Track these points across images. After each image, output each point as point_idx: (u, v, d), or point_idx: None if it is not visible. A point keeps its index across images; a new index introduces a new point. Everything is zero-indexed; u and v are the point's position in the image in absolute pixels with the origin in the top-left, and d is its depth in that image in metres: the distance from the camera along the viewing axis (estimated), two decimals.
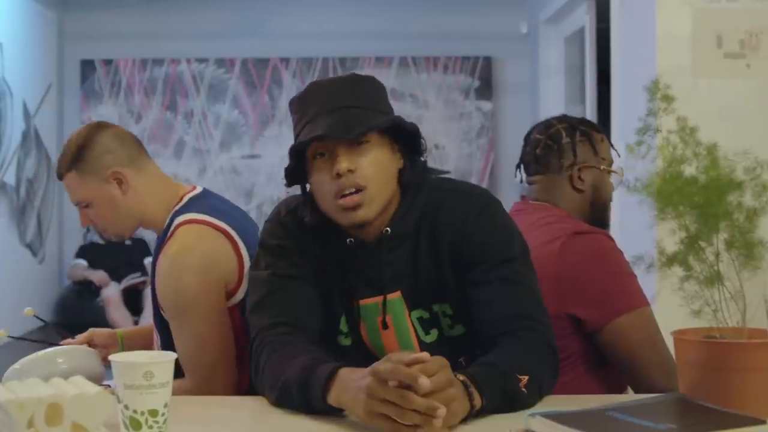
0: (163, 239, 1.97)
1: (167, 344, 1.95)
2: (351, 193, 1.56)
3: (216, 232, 1.93)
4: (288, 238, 1.68)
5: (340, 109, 1.57)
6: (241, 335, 1.90)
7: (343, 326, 1.67)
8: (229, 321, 1.90)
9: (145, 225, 2.05)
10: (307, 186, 1.67)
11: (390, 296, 1.64)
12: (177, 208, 2.00)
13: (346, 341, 1.68)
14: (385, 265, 1.64)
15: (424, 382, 1.27)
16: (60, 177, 2.04)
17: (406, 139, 1.64)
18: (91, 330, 2.18)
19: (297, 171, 1.63)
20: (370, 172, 1.57)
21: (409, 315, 1.65)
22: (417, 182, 1.66)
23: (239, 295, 1.92)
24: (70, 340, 2.15)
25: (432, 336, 1.66)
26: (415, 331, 1.66)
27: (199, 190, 2.06)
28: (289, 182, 1.64)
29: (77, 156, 1.99)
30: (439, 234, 1.64)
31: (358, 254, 1.64)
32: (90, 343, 2.13)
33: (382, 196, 1.60)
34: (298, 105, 1.63)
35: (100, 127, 2.04)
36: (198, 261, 1.88)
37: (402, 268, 1.64)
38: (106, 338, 2.18)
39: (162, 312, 1.93)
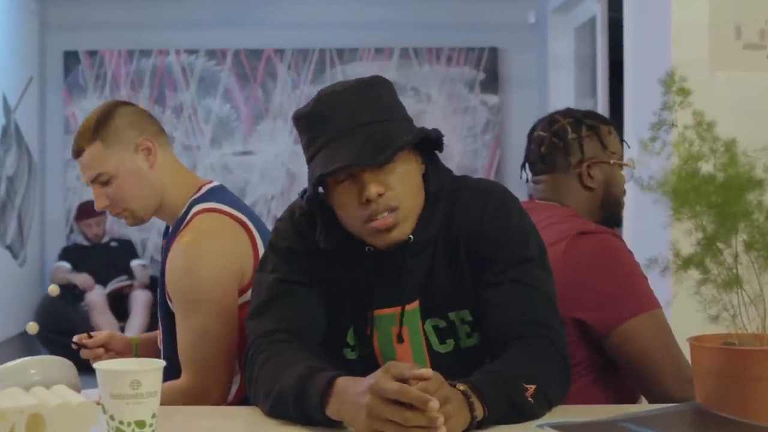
0: (178, 227, 1.98)
1: (170, 338, 1.96)
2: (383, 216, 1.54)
3: (235, 223, 1.95)
4: (300, 241, 1.66)
5: (361, 127, 1.53)
6: (245, 334, 1.90)
7: (351, 339, 1.67)
8: (237, 317, 1.91)
9: (161, 210, 2.05)
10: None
11: (409, 307, 1.64)
12: (195, 197, 2.02)
13: (352, 355, 1.68)
14: (407, 273, 1.63)
15: (434, 405, 1.28)
16: (79, 153, 2.01)
17: (425, 143, 1.62)
18: (110, 333, 2.21)
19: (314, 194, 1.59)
20: (401, 191, 1.55)
21: (423, 324, 1.65)
22: (439, 186, 1.64)
23: (250, 292, 1.92)
24: (85, 338, 2.16)
25: (447, 346, 1.66)
26: (428, 341, 1.66)
27: (216, 183, 2.09)
28: (310, 207, 1.60)
29: (101, 125, 1.99)
30: (454, 234, 1.64)
31: (377, 262, 1.63)
32: (106, 347, 2.16)
33: (415, 210, 1.59)
34: (309, 122, 1.58)
35: (121, 102, 2.08)
36: (214, 249, 1.90)
37: (421, 276, 1.64)
38: (122, 345, 2.19)
39: (168, 302, 1.94)
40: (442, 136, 1.61)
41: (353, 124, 1.53)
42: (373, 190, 1.52)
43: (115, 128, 1.99)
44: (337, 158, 1.51)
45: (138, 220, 2.06)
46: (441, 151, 1.64)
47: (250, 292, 1.90)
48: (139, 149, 2.00)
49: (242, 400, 1.92)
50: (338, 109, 1.55)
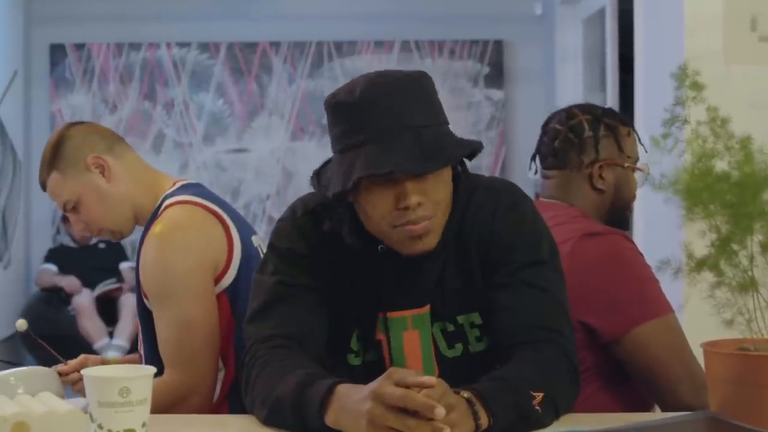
0: (150, 222, 2.02)
1: (149, 336, 1.98)
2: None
3: (207, 213, 1.99)
4: (302, 242, 1.66)
5: (410, 130, 1.51)
6: (224, 324, 1.94)
7: (354, 344, 1.67)
8: (216, 307, 1.94)
9: (138, 218, 2.10)
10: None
11: (420, 310, 1.64)
12: (168, 192, 2.06)
13: (355, 360, 1.68)
14: (420, 275, 1.63)
15: (440, 411, 1.29)
16: (44, 186, 2.11)
17: None
18: (84, 356, 2.23)
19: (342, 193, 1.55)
20: (437, 200, 1.55)
21: (432, 328, 1.65)
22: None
23: (226, 280, 1.96)
24: (61, 366, 2.17)
25: (456, 351, 1.66)
26: (436, 346, 1.66)
27: (193, 181, 2.13)
28: (338, 201, 1.58)
29: (54, 155, 2.07)
30: (466, 234, 1.64)
31: (390, 263, 1.63)
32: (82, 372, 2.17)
33: (445, 219, 1.60)
34: (351, 112, 1.53)
35: (71, 123, 2.15)
36: (187, 239, 1.93)
37: (433, 277, 1.64)
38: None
39: (145, 299, 1.96)
40: (482, 148, 1.59)
41: (401, 125, 1.51)
42: (414, 199, 1.51)
43: (66, 154, 2.07)
44: (386, 161, 1.48)
45: (118, 235, 2.13)
46: (471, 159, 1.63)
47: (224, 281, 1.96)
48: (92, 168, 2.06)
49: (228, 394, 1.94)
50: (386, 105, 1.51)
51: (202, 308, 1.91)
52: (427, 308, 1.65)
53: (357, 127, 1.52)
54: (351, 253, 1.64)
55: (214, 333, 1.92)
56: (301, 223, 1.67)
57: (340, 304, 1.66)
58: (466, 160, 1.65)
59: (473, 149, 1.57)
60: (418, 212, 1.53)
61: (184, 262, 1.91)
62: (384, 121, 1.51)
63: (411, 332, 1.65)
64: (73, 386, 2.18)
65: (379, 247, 1.62)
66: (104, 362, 2.23)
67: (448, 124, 1.59)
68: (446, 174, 1.57)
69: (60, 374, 2.17)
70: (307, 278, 1.64)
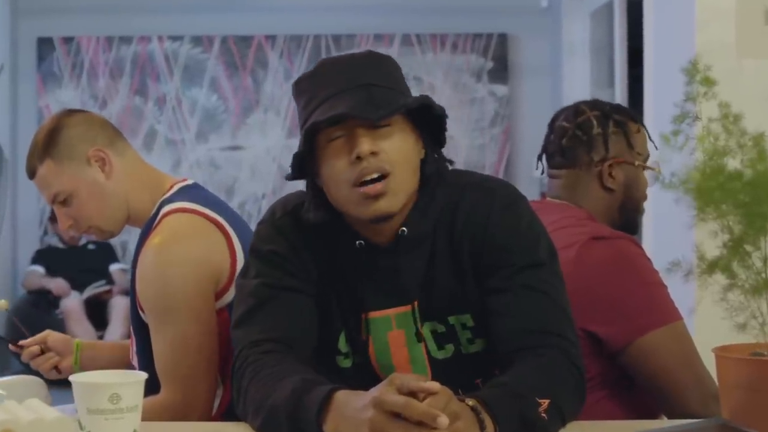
0: (148, 230, 1.98)
1: (145, 351, 1.96)
2: (373, 180, 1.55)
3: (209, 223, 1.96)
4: (283, 243, 1.67)
5: (362, 87, 1.57)
6: (224, 340, 1.91)
7: (342, 345, 1.67)
8: (216, 324, 1.92)
9: (131, 219, 2.07)
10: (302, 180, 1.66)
11: (403, 309, 1.65)
12: (165, 197, 2.03)
13: (345, 363, 1.68)
14: (401, 273, 1.64)
15: (443, 421, 1.29)
16: (33, 173, 2.05)
17: (428, 126, 1.64)
18: (47, 332, 2.23)
19: (303, 161, 1.61)
20: (395, 157, 1.57)
21: (421, 328, 1.66)
22: (437, 177, 1.66)
23: (229, 296, 1.93)
24: (23, 342, 2.20)
25: (446, 352, 1.66)
26: (426, 347, 1.66)
27: (190, 181, 2.10)
28: (296, 174, 1.62)
29: (50, 142, 2.02)
30: (458, 234, 1.64)
31: (369, 259, 1.64)
32: (43, 347, 2.19)
33: (407, 186, 1.60)
34: (309, 84, 1.61)
35: (70, 111, 2.10)
36: (188, 252, 1.90)
37: (418, 274, 1.65)
38: (61, 344, 2.21)
39: (141, 312, 1.95)
40: (445, 114, 1.63)
41: (354, 83, 1.58)
42: (365, 146, 1.54)
43: (65, 143, 2.02)
44: (335, 110, 1.54)
45: (107, 235, 2.09)
46: (443, 132, 1.65)
47: (226, 296, 1.93)
48: (92, 161, 2.02)
49: (225, 413, 1.93)
50: (340, 70, 1.61)
51: (201, 326, 1.89)
52: (409, 307, 1.65)
53: (315, 94, 1.60)
54: (332, 252, 1.66)
55: (212, 350, 1.90)
56: (281, 223, 1.69)
57: (326, 305, 1.66)
58: (443, 155, 1.67)
59: (428, 106, 1.60)
60: (372, 162, 1.54)
61: (183, 276, 1.88)
62: (336, 82, 1.58)
63: (396, 332, 1.65)
64: (31, 361, 2.18)
65: (357, 242, 1.63)
66: (67, 341, 2.22)
67: (409, 95, 1.64)
68: (401, 133, 1.59)
69: (20, 347, 2.19)
70: (291, 279, 1.65)
